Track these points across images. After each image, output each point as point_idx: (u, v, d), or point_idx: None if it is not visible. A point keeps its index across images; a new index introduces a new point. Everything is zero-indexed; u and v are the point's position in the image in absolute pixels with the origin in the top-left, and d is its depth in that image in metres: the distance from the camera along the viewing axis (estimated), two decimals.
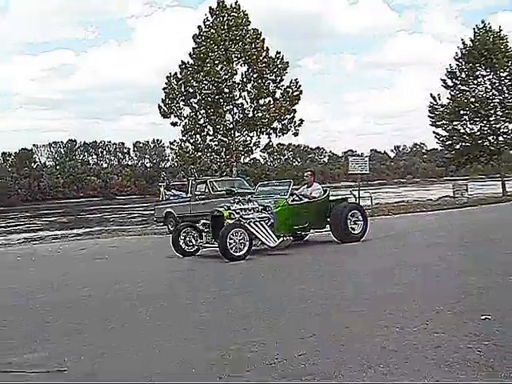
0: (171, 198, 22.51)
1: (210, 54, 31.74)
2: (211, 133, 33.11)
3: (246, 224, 11.52)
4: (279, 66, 32.56)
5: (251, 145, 33.31)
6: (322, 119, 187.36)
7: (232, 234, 10.98)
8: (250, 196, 12.86)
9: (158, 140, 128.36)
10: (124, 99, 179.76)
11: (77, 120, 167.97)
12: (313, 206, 12.94)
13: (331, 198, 13.84)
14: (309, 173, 13.91)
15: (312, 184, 13.46)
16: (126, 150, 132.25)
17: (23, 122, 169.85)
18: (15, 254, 15.50)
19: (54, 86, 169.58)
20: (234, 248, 10.97)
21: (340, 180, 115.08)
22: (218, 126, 32.75)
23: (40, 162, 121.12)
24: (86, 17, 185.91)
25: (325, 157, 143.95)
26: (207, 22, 32.58)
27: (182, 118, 32.70)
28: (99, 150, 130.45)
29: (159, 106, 32.75)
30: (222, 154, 33.41)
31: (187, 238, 12.51)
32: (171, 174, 69.55)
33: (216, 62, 31.59)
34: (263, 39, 32.71)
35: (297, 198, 12.92)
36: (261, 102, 32.57)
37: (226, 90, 32.13)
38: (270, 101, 32.55)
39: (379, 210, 24.70)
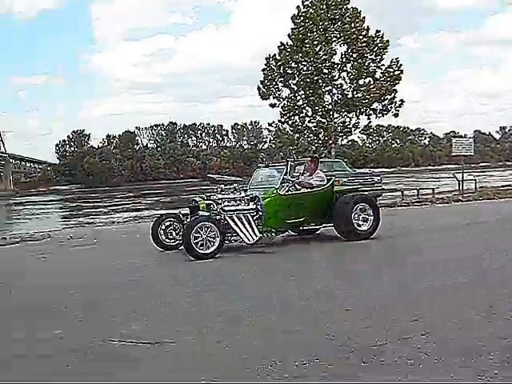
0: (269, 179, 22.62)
1: (308, 34, 31.55)
2: (309, 114, 33.05)
3: (226, 216, 10.13)
4: (379, 45, 31.90)
5: (350, 126, 32.92)
6: (422, 99, 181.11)
7: (199, 229, 9.53)
8: (236, 184, 11.06)
9: (255, 122, 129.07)
10: (222, 82, 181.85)
11: (176, 103, 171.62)
12: (311, 197, 11.08)
13: (338, 188, 11.75)
14: (308, 159, 12.20)
15: (313, 172, 11.60)
16: (224, 132, 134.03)
17: (126, 106, 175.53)
18: (121, 232, 16.05)
19: (154, 71, 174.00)
20: (200, 244, 9.53)
21: (441, 162, 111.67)
22: (316, 107, 32.59)
23: (142, 144, 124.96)
24: (185, 2, 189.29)
25: (425, 138, 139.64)
26: (306, 2, 32.34)
27: (281, 100, 32.78)
28: (198, 132, 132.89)
29: (258, 88, 32.96)
30: (320, 135, 33.23)
31: (168, 230, 10.95)
32: (269, 156, 69.99)
33: (315, 42, 31.39)
34: (363, 18, 32.13)
35: (292, 188, 11.11)
36: (360, 82, 32.11)
37: (325, 71, 31.90)
38: (369, 81, 32.00)
39: (484, 193, 23.73)
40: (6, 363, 4.44)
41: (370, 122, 33.37)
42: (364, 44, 31.62)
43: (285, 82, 32.67)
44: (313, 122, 33.17)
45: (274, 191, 10.71)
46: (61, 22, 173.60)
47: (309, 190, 11.13)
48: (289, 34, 32.55)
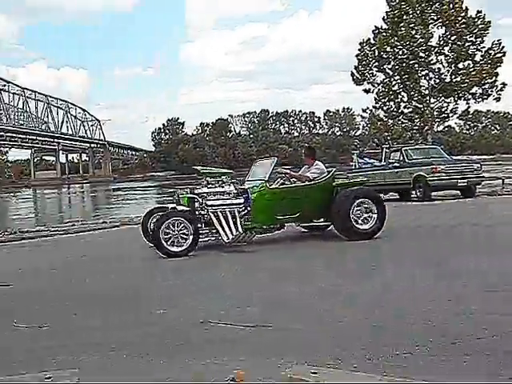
0: (364, 166, 22.31)
1: (404, 17, 30.80)
2: (405, 99, 32.33)
3: (209, 212, 9.38)
4: (480, 26, 30.60)
5: (447, 111, 31.92)
6: None
7: (171, 225, 8.91)
8: (225, 177, 10.10)
9: (348, 108, 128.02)
10: (314, 68, 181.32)
11: (268, 90, 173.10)
12: (307, 191, 10.03)
13: (339, 181, 10.56)
14: (305, 149, 11.21)
15: (312, 164, 10.47)
16: (316, 119, 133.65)
17: (219, 94, 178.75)
18: None
19: (246, 59, 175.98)
20: (171, 241, 8.89)
21: None
22: (412, 92, 31.86)
23: (235, 131, 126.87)
24: None
25: None
26: None
27: (375, 85, 32.27)
28: (290, 119, 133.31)
29: (352, 74, 32.59)
30: (416, 121, 32.42)
31: None
32: (362, 143, 69.13)
33: (411, 25, 30.61)
34: None
35: (287, 181, 10.29)
36: (459, 65, 30.97)
37: (422, 54, 31.04)
38: (469, 64, 30.82)
39: None
40: (121, 343, 4.56)
41: (468, 107, 32.24)
42: (463, 25, 30.44)
43: (379, 67, 32.08)
44: (408, 108, 32.42)
45: (264, 184, 9.86)
46: (155, 13, 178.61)
47: (306, 183, 10.15)
48: (383, 18, 31.89)
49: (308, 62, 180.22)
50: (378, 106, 32.63)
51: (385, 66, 31.97)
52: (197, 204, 9.57)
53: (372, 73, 32.35)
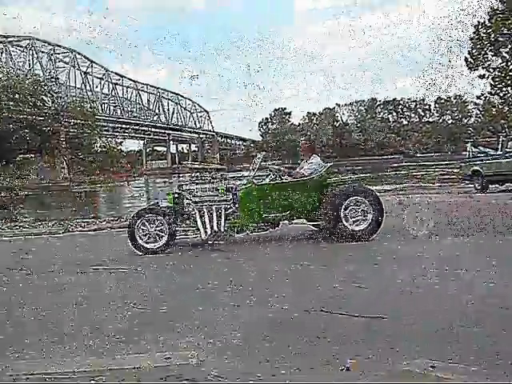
0: (478, 155, 21.51)
1: None
2: None
3: (195, 208, 9.13)
4: None
5: None
6: None
7: (146, 221, 8.88)
8: (215, 172, 9.93)
9: (459, 95, 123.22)
10: (421, 56, 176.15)
11: (375, 78, 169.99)
12: (299, 188, 9.37)
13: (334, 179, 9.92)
14: (302, 142, 10.46)
15: (309, 158, 9.90)
16: (426, 107, 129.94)
17: (322, 85, 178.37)
18: None
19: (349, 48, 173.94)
20: (146, 238, 8.87)
21: None
22: None
23: (342, 120, 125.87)
24: None
25: None
26: None
27: (491, 70, 30.84)
28: (399, 107, 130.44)
29: (466, 59, 31.36)
30: None
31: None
32: (475, 131, 66.48)
33: None
34: None
35: (278, 178, 9.69)
36: None
37: None
38: None
39: None
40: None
41: None
42: None
43: (496, 51, 30.67)
44: None
45: (250, 181, 9.53)
46: (259, 4, 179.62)
47: (297, 179, 9.63)
48: None
49: (417, 48, 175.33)
50: (493, 92, 31.26)
51: (501, 50, 30.53)
52: (186, 201, 9.38)
53: (487, 57, 31.00)
